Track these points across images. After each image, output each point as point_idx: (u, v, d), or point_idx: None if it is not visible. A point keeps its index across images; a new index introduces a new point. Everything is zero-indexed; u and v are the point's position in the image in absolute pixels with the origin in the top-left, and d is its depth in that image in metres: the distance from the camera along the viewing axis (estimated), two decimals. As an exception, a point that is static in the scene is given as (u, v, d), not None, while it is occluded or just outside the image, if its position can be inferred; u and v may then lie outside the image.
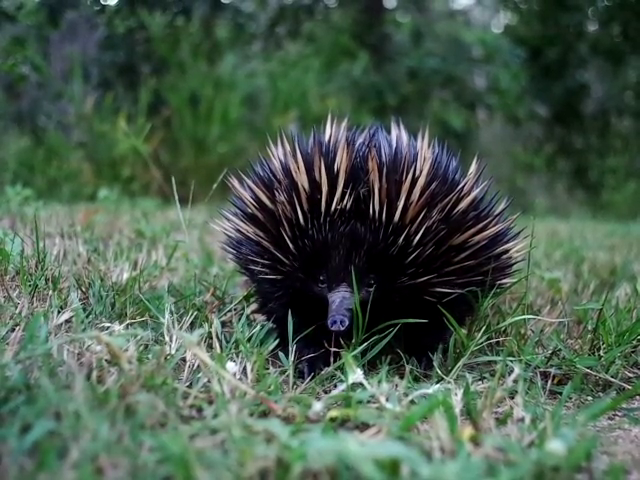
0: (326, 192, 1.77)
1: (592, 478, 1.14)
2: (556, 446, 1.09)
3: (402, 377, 1.55)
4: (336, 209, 1.78)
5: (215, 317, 1.85)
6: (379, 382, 1.41)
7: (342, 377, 1.50)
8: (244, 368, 1.57)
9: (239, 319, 1.89)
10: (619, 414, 1.59)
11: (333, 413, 1.36)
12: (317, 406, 1.35)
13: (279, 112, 7.39)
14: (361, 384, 1.44)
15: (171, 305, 1.94)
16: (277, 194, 1.82)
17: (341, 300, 1.74)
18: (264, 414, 1.37)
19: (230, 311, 2.13)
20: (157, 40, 7.42)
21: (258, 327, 1.81)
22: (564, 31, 15.34)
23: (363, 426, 1.32)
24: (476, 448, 1.17)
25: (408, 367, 1.46)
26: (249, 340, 1.76)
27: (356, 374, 1.47)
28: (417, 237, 1.76)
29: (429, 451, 1.16)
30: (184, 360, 1.60)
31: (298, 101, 7.57)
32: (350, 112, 7.80)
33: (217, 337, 1.70)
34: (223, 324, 1.99)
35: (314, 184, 1.79)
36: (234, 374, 1.47)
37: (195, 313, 1.98)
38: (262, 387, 1.43)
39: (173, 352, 1.60)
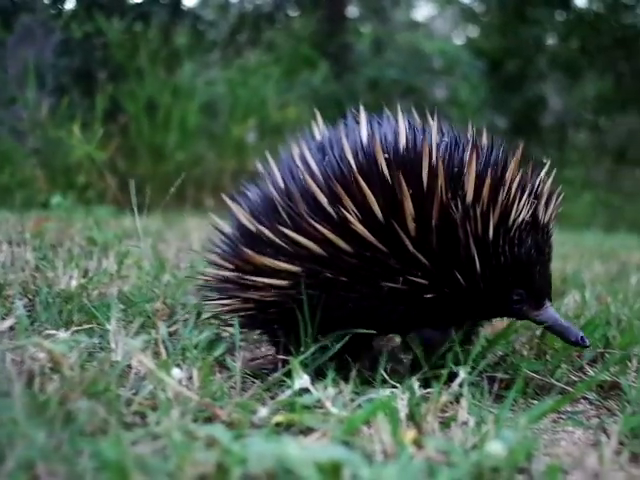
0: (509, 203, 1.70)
1: (532, 479, 1.15)
2: (495, 447, 1.10)
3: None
4: (523, 220, 1.72)
5: (162, 324, 1.83)
6: (325, 387, 1.41)
7: (289, 383, 1.49)
8: (190, 375, 1.56)
9: (187, 326, 1.88)
10: (564, 417, 1.61)
11: (278, 418, 1.35)
12: (262, 411, 1.34)
13: (238, 120, 7.37)
14: (308, 389, 1.44)
15: (119, 312, 1.92)
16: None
17: (558, 317, 1.76)
18: (209, 420, 1.36)
19: (179, 320, 2.11)
20: (115, 46, 7.36)
21: (205, 333, 1.79)
22: (524, 44, 15.55)
23: (308, 431, 1.31)
24: (419, 451, 1.17)
25: (354, 372, 1.45)
26: (196, 347, 1.74)
27: (303, 379, 1.47)
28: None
29: (372, 454, 1.16)
30: (130, 367, 1.58)
31: (257, 109, 7.56)
32: (310, 121, 7.84)
33: (163, 343, 1.68)
34: (173, 332, 1.97)
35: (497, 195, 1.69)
36: (179, 380, 1.45)
37: (144, 320, 1.96)
38: (207, 393, 1.42)
39: (119, 359, 1.57)
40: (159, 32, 7.84)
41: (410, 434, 1.21)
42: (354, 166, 1.69)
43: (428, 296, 1.69)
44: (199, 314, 2.15)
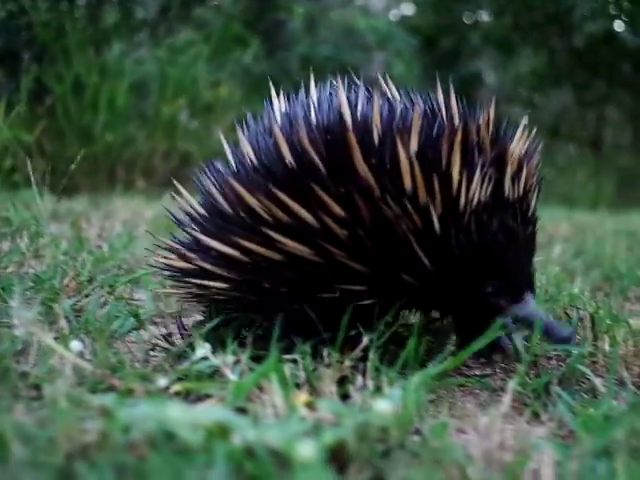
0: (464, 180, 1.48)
1: (422, 437, 1.17)
2: (383, 406, 1.11)
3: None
4: (479, 202, 1.50)
5: (66, 298, 1.80)
6: (225, 356, 1.41)
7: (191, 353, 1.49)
8: (94, 348, 1.54)
9: (95, 301, 1.86)
10: (472, 381, 1.64)
11: (177, 387, 1.34)
12: (161, 381, 1.33)
13: (168, 100, 7.27)
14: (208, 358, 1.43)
15: (27, 289, 1.89)
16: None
17: (541, 312, 1.58)
18: (107, 391, 1.34)
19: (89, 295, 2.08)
20: (40, 26, 7.17)
21: (109, 306, 1.77)
22: (457, 21, 15.67)
23: (206, 398, 1.31)
24: (311, 413, 1.18)
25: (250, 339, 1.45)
26: (103, 321, 1.72)
27: (203, 349, 1.46)
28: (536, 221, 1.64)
29: (264, 418, 1.16)
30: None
31: (187, 89, 7.47)
32: (241, 100, 7.78)
33: (66, 318, 1.66)
34: (80, 307, 1.94)
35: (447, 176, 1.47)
36: (79, 352, 1.43)
37: (52, 296, 1.93)
38: (104, 364, 1.40)
39: (19, 334, 1.55)
40: (86, 11, 7.68)
41: (302, 397, 1.22)
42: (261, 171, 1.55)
43: (368, 302, 1.53)
44: (112, 290, 2.13)
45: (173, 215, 1.86)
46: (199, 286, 1.70)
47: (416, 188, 1.44)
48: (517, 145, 1.60)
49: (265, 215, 1.50)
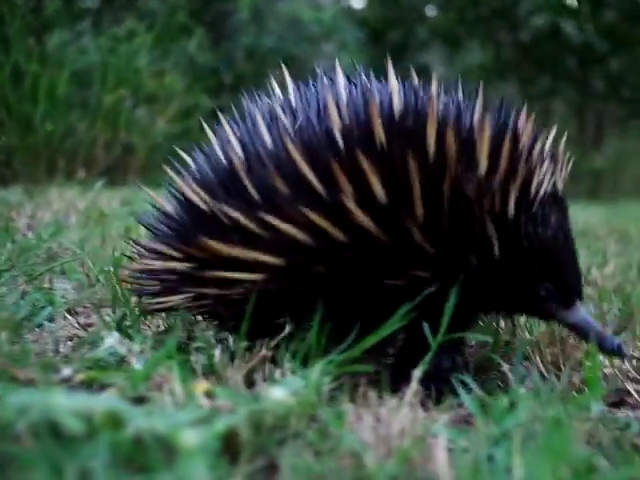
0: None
1: (322, 425, 1.16)
2: (278, 393, 1.11)
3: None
4: (545, 192, 1.45)
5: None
6: (131, 345, 1.39)
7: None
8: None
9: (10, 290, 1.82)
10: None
11: (80, 376, 1.32)
12: (66, 371, 1.31)
13: (110, 89, 7.18)
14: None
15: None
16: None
17: (591, 320, 1.51)
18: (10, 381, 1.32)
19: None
20: (-23, 13, 7.02)
21: (26, 295, 1.74)
22: (405, 14, 15.75)
23: (109, 387, 1.29)
24: (210, 401, 1.17)
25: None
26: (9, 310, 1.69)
27: (112, 338, 1.45)
28: None
29: (164, 406, 1.15)
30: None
31: (130, 78, 7.38)
32: (184, 90, 7.72)
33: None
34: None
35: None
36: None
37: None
38: (6, 354, 1.37)
39: None
40: (27, -1, 7.54)
41: (202, 386, 1.21)
42: (341, 134, 1.39)
43: (431, 290, 1.41)
44: (31, 279, 2.09)
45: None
46: (205, 286, 1.49)
47: (498, 167, 1.39)
48: (559, 142, 1.60)
49: (340, 180, 1.35)
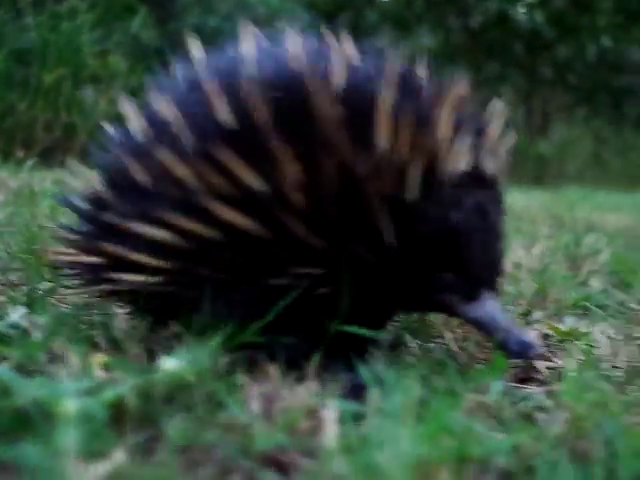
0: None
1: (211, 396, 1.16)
2: (169, 364, 1.11)
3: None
4: (461, 172, 1.27)
5: None
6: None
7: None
8: None
9: None
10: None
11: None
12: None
13: (51, 69, 7.04)
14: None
15: None
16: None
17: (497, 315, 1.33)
18: None
19: None
20: None
21: None
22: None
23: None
24: (107, 373, 1.17)
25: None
26: None
27: (18, 312, 1.44)
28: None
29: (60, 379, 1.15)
30: None
31: (71, 57, 7.25)
32: (128, 70, 7.61)
33: None
34: None
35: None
36: None
37: None
38: None
39: None
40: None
41: (100, 358, 1.21)
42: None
43: (324, 291, 1.28)
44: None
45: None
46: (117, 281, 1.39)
47: (395, 142, 1.20)
48: (497, 119, 1.40)
49: (200, 184, 1.22)
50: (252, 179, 1.18)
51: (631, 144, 16.17)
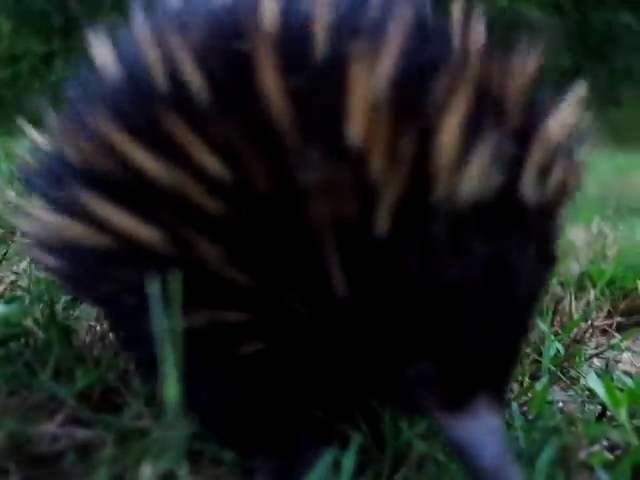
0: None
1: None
2: None
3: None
4: (474, 200, 0.74)
5: None
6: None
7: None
8: None
9: None
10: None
11: None
12: None
13: None
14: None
15: None
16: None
17: (496, 443, 0.79)
18: None
19: None
20: None
21: None
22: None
23: None
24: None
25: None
26: None
27: None
28: None
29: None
30: None
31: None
32: (10, 34, 7.04)
33: None
34: None
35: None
36: None
37: None
38: None
39: None
40: None
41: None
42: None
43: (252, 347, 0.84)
44: None
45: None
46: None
47: (371, 144, 0.72)
48: (559, 123, 0.83)
49: (85, 166, 0.86)
50: (155, 168, 0.78)
51: None
